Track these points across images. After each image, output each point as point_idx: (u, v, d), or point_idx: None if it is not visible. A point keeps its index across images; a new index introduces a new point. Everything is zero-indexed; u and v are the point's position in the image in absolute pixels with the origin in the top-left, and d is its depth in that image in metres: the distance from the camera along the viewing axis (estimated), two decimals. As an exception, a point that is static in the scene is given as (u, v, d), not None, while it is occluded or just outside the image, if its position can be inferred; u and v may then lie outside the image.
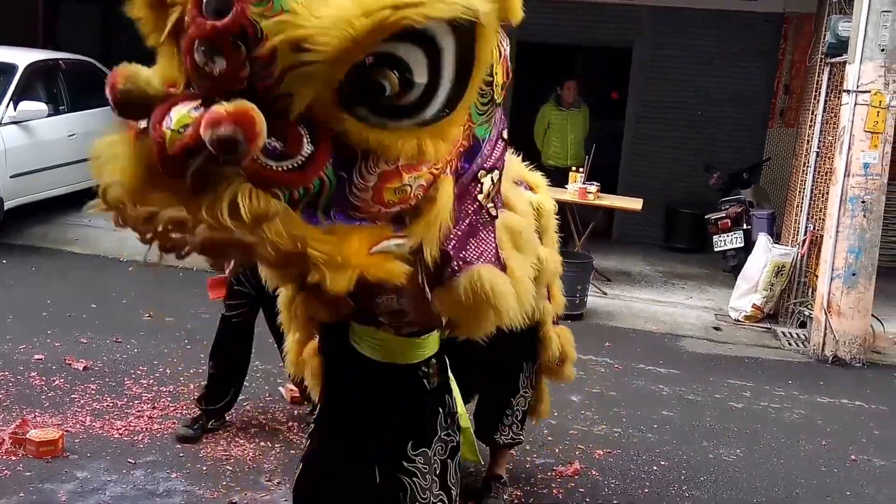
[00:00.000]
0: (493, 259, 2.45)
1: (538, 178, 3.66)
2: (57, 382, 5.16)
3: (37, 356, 5.52)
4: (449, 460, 2.90)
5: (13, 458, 4.20)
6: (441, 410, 2.89)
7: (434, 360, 2.88)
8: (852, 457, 5.06)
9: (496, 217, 2.50)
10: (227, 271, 4.38)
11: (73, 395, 5.00)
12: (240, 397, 5.12)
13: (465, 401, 3.71)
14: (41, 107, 8.49)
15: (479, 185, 2.40)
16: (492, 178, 2.43)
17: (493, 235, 2.48)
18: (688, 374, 6.22)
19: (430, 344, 2.86)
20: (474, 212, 2.42)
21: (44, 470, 4.11)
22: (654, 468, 4.70)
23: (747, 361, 6.68)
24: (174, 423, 4.73)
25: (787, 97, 10.04)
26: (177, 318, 6.57)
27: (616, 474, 4.60)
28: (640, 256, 9.88)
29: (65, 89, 9.31)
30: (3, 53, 8.97)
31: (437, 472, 2.87)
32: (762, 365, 6.62)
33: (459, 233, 2.37)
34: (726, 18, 10.07)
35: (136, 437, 4.53)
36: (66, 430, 4.50)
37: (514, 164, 3.41)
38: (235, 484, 4.14)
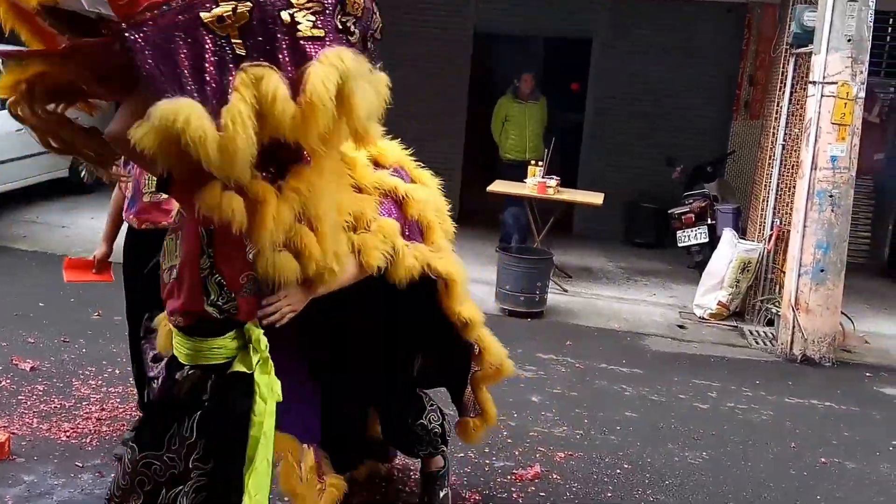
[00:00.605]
0: None
1: (425, 175, 3.81)
2: (3, 383, 5.00)
3: (-18, 356, 5.37)
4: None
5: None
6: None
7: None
8: (822, 460, 4.99)
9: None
10: (93, 255, 4.45)
11: (19, 397, 4.85)
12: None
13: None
14: (-5, 97, 8.23)
15: None
16: None
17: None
18: (652, 373, 6.13)
19: (225, 344, 2.78)
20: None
21: None
22: (618, 471, 4.60)
23: (713, 361, 6.61)
24: (123, 424, 4.58)
25: (751, 89, 9.99)
26: (125, 316, 6.35)
27: (578, 477, 4.49)
28: (601, 252, 9.81)
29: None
30: (6, 55, 8.67)
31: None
32: (728, 364, 6.55)
33: None
34: (688, 9, 10.02)
35: (84, 440, 4.40)
36: (13, 433, 4.36)
37: (396, 150, 3.59)
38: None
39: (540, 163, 8.52)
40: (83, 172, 10.38)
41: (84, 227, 8.77)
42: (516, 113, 9.45)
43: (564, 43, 11.01)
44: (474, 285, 8.24)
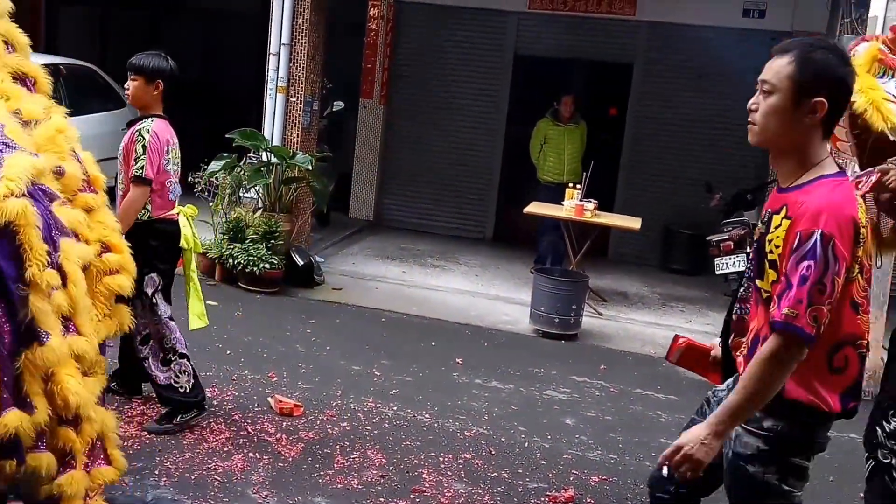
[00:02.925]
0: None
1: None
2: (45, 387, 5.06)
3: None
4: None
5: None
6: None
7: None
8: (861, 494, 4.91)
9: None
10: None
11: (60, 400, 4.90)
12: (228, 407, 5.07)
13: None
14: (44, 110, 8.42)
15: None
16: None
17: None
18: (688, 400, 6.11)
19: None
20: None
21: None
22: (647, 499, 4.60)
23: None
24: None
25: (791, 117, 9.99)
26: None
27: (612, 503, 4.50)
28: (636, 277, 9.82)
29: (65, 93, 9.25)
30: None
31: None
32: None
33: None
34: (730, 36, 10.04)
35: (126, 443, 4.41)
36: None
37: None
38: (223, 495, 4.08)
39: (578, 186, 8.57)
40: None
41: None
42: (555, 135, 9.51)
43: (604, 67, 11.07)
44: (509, 305, 8.44)
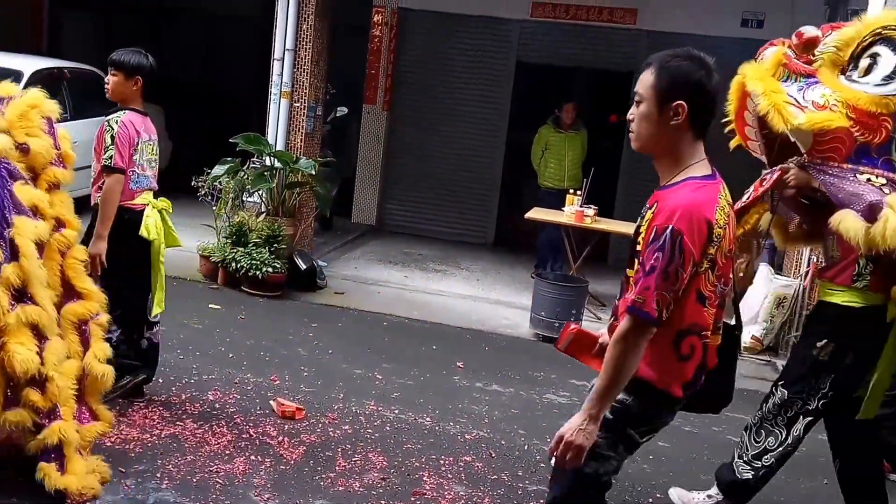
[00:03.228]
0: None
1: None
2: (48, 389, 5.10)
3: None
4: None
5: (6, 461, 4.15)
6: None
7: None
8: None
9: None
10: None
11: (63, 402, 4.94)
12: (231, 410, 5.12)
13: None
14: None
15: None
16: None
17: None
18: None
19: None
20: None
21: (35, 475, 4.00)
22: (650, 500, 4.66)
23: (746, 394, 6.58)
24: (168, 431, 4.71)
25: (790, 127, 10.03)
26: (169, 328, 6.51)
27: None
28: (636, 283, 9.82)
29: (68, 97, 9.32)
30: (10, 60, 9.00)
31: None
32: (761, 399, 6.53)
33: None
34: (729, 45, 10.06)
35: (127, 446, 4.51)
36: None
37: None
38: (225, 497, 4.11)
39: (578, 192, 8.61)
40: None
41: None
42: (556, 142, 9.57)
43: (605, 75, 11.13)
44: (510, 309, 8.48)
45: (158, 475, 4.23)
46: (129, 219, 4.86)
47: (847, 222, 3.56)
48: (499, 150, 11.36)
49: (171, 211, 5.17)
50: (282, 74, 8.72)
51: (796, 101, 3.75)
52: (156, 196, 5.08)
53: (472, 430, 5.30)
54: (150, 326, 5.13)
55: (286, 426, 5.00)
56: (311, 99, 8.86)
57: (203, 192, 8.39)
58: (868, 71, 3.79)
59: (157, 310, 5.08)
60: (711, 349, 2.86)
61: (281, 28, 8.67)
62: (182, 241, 5.39)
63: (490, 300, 8.65)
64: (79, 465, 3.88)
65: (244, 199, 8.43)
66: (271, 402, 5.29)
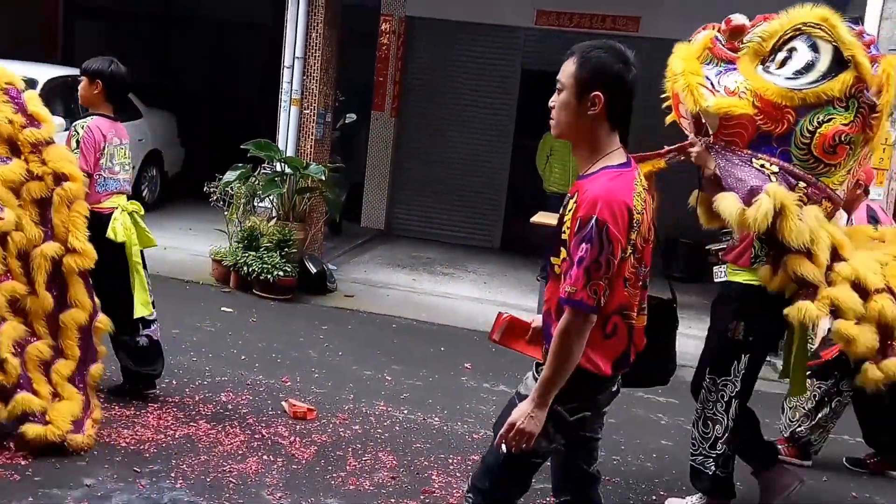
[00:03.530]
0: None
1: None
2: (65, 390, 5.20)
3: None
4: None
5: (23, 462, 4.25)
6: None
7: None
8: (853, 494, 5.11)
9: None
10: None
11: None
12: (243, 411, 5.22)
13: None
14: (59, 121, 8.58)
15: None
16: None
17: None
18: (688, 403, 6.13)
19: None
20: None
21: (52, 475, 4.16)
22: (654, 497, 4.74)
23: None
24: (182, 432, 4.81)
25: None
26: (183, 330, 6.65)
27: (614, 502, 4.62)
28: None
29: (81, 105, 9.43)
30: (24, 69, 9.08)
31: None
32: (762, 398, 6.57)
33: None
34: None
35: (142, 447, 4.58)
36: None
37: None
38: (238, 496, 4.19)
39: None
40: (144, 192, 10.77)
41: (143, 245, 9.09)
42: (561, 147, 9.65)
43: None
44: (516, 312, 8.44)
45: (173, 475, 4.30)
46: (94, 224, 4.83)
47: (725, 203, 3.81)
48: (505, 156, 11.46)
49: (142, 213, 5.24)
50: (291, 82, 8.84)
51: (711, 84, 3.94)
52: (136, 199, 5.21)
53: (480, 429, 5.39)
54: (145, 325, 5.20)
55: (298, 426, 5.08)
56: (321, 106, 8.98)
57: (215, 198, 8.51)
58: (783, 64, 3.93)
59: (141, 311, 5.11)
60: (638, 330, 2.94)
61: (291, 36, 8.80)
62: (157, 241, 5.46)
63: (497, 302, 8.73)
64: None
65: (255, 204, 8.56)
66: (283, 402, 5.38)
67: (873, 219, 4.87)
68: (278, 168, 8.51)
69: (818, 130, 3.81)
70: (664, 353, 3.57)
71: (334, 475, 4.54)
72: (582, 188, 2.76)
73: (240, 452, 4.65)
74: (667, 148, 4.36)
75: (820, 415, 5.27)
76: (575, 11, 10.74)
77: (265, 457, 4.64)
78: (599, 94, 2.73)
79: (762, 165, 3.85)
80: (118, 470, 4.29)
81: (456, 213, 11.63)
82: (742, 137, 3.91)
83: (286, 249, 8.01)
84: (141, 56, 14.81)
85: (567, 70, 2.80)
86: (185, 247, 9.29)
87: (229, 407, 5.27)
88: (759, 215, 3.70)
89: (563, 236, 2.78)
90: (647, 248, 2.88)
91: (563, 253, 2.77)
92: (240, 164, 8.43)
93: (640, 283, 2.88)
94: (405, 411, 5.55)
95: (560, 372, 2.73)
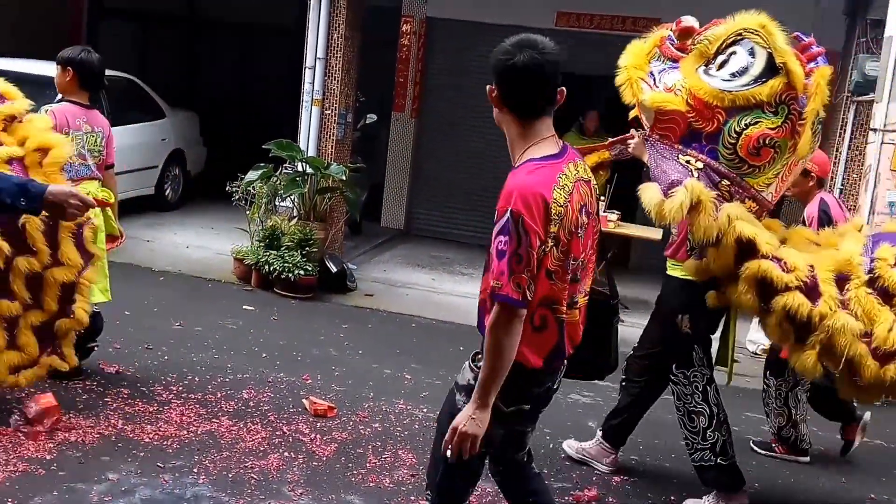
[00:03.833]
0: None
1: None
2: (91, 385, 5.28)
3: (72, 359, 5.65)
4: None
5: (48, 456, 4.31)
6: None
7: None
8: (871, 495, 5.09)
9: None
10: None
11: (105, 399, 5.11)
12: (265, 408, 5.27)
13: None
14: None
15: None
16: None
17: None
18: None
19: None
20: None
21: (76, 470, 4.22)
22: (672, 497, 4.75)
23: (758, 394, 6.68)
24: (205, 428, 4.86)
25: (813, 133, 9.99)
26: (205, 327, 6.71)
27: (634, 502, 4.65)
28: (656, 285, 9.80)
29: (106, 104, 9.52)
30: (48, 68, 9.16)
31: None
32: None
33: None
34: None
35: (165, 443, 4.63)
36: (100, 433, 4.64)
37: None
38: (259, 493, 4.23)
39: (602, 198, 8.72)
40: (167, 191, 10.87)
41: (167, 243, 9.19)
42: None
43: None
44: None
45: (195, 470, 4.34)
46: None
47: (647, 193, 3.98)
48: (526, 156, 11.47)
49: (112, 200, 5.29)
50: (313, 82, 8.90)
51: (653, 79, 4.13)
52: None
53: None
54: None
55: (318, 424, 5.12)
56: (342, 106, 9.04)
57: (237, 197, 8.58)
58: (722, 66, 4.07)
59: (99, 297, 5.16)
60: (571, 324, 2.90)
61: (312, 37, 8.86)
62: (120, 230, 5.48)
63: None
64: None
65: (277, 203, 8.62)
66: (304, 400, 5.42)
67: (825, 212, 4.94)
68: (300, 168, 8.56)
69: (744, 132, 3.96)
70: (602, 347, 3.62)
71: (355, 472, 4.56)
72: (506, 182, 2.77)
73: (261, 449, 4.69)
74: (610, 140, 4.72)
75: (792, 410, 5.32)
76: (595, 13, 10.75)
77: (286, 453, 4.68)
78: (493, 87, 2.79)
79: (688, 161, 4.00)
80: (141, 465, 4.33)
81: (475, 214, 11.65)
82: (674, 132, 4.06)
83: (307, 249, 8.06)
84: (166, 57, 14.95)
85: None
86: (207, 245, 9.38)
87: (251, 404, 5.31)
88: (675, 207, 3.83)
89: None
90: (575, 242, 2.80)
91: None
92: (262, 164, 8.49)
93: (569, 276, 2.82)
94: (425, 410, 5.57)
95: (496, 369, 2.72)
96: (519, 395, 2.87)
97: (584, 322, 3.01)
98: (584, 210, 2.83)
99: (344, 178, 8.48)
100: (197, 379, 5.61)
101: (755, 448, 5.53)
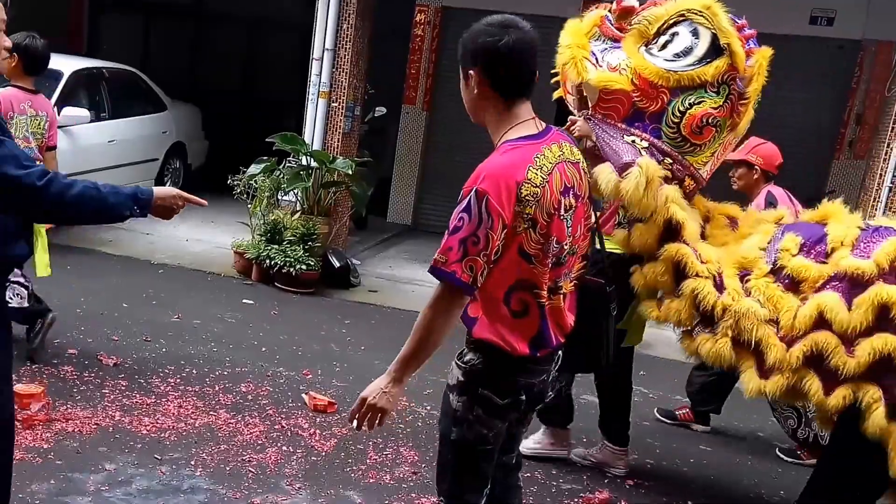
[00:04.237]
0: None
1: None
2: (89, 377, 5.19)
3: (70, 350, 5.55)
4: None
5: (45, 446, 4.25)
6: None
7: None
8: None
9: None
10: None
11: (103, 390, 5.02)
12: (263, 402, 5.12)
13: None
14: (84, 113, 8.58)
15: None
16: None
17: None
18: (728, 409, 6.04)
19: None
20: None
21: (74, 460, 4.14)
22: (689, 502, 4.58)
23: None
24: (202, 421, 4.75)
25: (857, 128, 9.78)
26: (204, 321, 6.57)
27: (645, 505, 4.49)
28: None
29: (107, 97, 9.43)
30: (50, 61, 9.10)
31: None
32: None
33: None
34: (795, 44, 9.90)
35: (162, 435, 4.55)
36: (97, 424, 4.56)
37: None
38: (257, 486, 4.13)
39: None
40: (168, 183, 10.72)
41: (166, 236, 9.02)
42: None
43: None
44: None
45: (193, 462, 4.27)
46: None
47: (602, 175, 3.97)
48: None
49: None
50: (320, 74, 8.73)
51: (596, 59, 4.16)
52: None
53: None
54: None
55: (318, 419, 5.00)
56: (350, 99, 8.87)
57: (239, 191, 8.40)
58: (665, 46, 4.14)
59: (42, 272, 5.01)
60: (556, 310, 2.76)
61: (321, 28, 8.69)
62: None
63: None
64: None
65: (279, 197, 8.45)
66: (303, 395, 5.29)
67: (771, 204, 4.96)
68: (304, 162, 8.40)
69: (688, 111, 4.04)
70: (595, 339, 3.48)
71: (354, 468, 4.46)
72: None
73: (259, 443, 4.60)
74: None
75: (799, 408, 5.13)
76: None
77: (284, 448, 4.58)
78: (471, 71, 2.66)
79: (633, 141, 4.06)
80: (139, 456, 4.29)
81: (485, 210, 11.47)
82: (618, 112, 4.09)
83: (310, 243, 7.90)
84: (169, 49, 14.83)
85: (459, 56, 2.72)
86: (207, 238, 9.23)
87: (249, 398, 5.19)
88: (631, 187, 3.87)
89: None
90: (557, 224, 2.64)
91: None
92: (264, 158, 8.34)
93: (550, 260, 2.68)
94: (428, 407, 5.43)
95: (421, 349, 2.61)
96: (511, 385, 2.74)
97: (572, 310, 2.87)
98: (570, 192, 2.68)
99: (350, 172, 8.31)
100: (195, 372, 5.49)
101: (781, 455, 5.38)
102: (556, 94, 4.49)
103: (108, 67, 9.85)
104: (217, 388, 5.24)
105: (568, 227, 2.68)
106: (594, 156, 4.09)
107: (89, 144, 8.78)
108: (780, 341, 3.74)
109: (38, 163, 5.07)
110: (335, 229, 8.70)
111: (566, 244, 2.69)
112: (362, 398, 2.65)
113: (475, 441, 2.75)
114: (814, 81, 10.07)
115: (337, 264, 8.13)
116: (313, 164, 8.33)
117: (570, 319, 2.85)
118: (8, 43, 3.24)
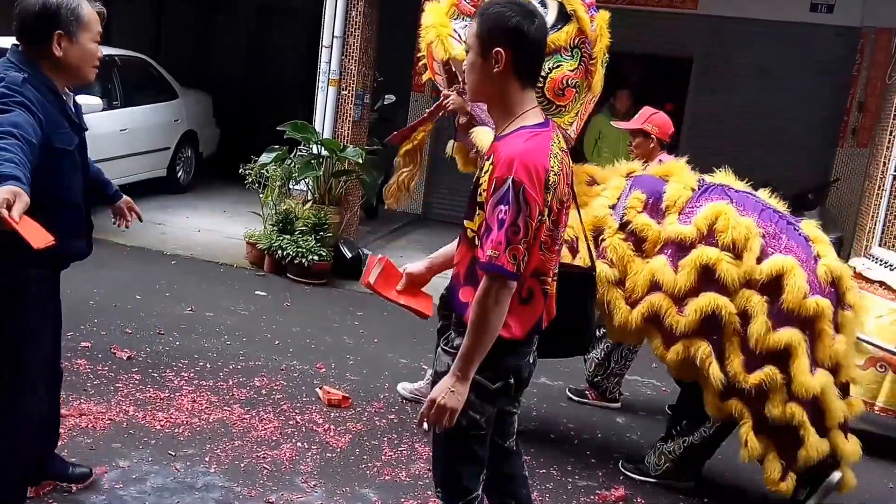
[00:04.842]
0: None
1: None
2: (102, 370, 5.16)
3: (84, 343, 5.53)
4: None
5: (59, 442, 4.12)
6: None
7: None
8: (891, 485, 4.90)
9: None
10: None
11: (117, 384, 5.00)
12: (277, 396, 5.11)
13: None
14: (96, 101, 8.53)
15: None
16: None
17: None
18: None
19: None
20: None
21: (87, 456, 4.09)
22: (705, 499, 4.55)
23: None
24: (216, 416, 4.72)
25: (860, 115, 9.74)
26: (217, 313, 6.55)
27: (663, 503, 4.45)
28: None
29: (119, 85, 9.39)
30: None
31: None
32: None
33: None
34: (794, 31, 9.83)
35: (176, 430, 4.52)
36: (111, 419, 4.54)
37: None
38: (272, 483, 4.11)
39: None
40: (180, 172, 10.70)
41: (178, 226, 9.01)
42: (611, 131, 9.37)
43: (663, 61, 10.92)
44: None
45: (207, 459, 4.25)
46: None
47: (483, 136, 4.24)
48: (548, 139, 11.24)
49: None
50: (330, 62, 8.68)
51: (459, 36, 4.37)
52: None
53: (520, 422, 5.20)
54: None
55: (332, 414, 4.97)
56: (359, 87, 8.82)
57: (250, 180, 8.38)
58: None
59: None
60: (552, 296, 2.84)
61: (330, 15, 8.63)
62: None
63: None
64: None
65: (291, 186, 8.41)
66: (317, 389, 5.27)
67: None
68: (315, 150, 8.36)
69: (549, 75, 4.25)
70: (585, 324, 3.56)
71: (369, 465, 4.44)
72: (497, 149, 2.65)
73: (273, 438, 4.57)
74: (428, 111, 4.97)
75: (612, 364, 5.60)
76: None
77: (299, 444, 4.55)
78: (500, 50, 2.63)
79: None
80: (153, 453, 4.25)
81: (495, 200, 11.43)
82: None
83: (321, 233, 7.87)
84: (180, 37, 14.78)
85: (471, 30, 2.71)
86: (219, 229, 9.21)
87: (263, 392, 5.16)
88: None
89: (480, 198, 2.69)
90: (562, 211, 2.74)
91: (482, 215, 2.66)
92: (276, 147, 8.30)
93: (557, 246, 2.76)
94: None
95: (480, 342, 2.62)
96: (503, 369, 2.77)
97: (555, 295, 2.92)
98: (568, 181, 2.80)
99: (360, 160, 8.27)
100: (208, 366, 5.46)
101: (570, 395, 5.76)
102: (425, 77, 4.63)
103: (120, 55, 9.81)
104: (231, 383, 5.21)
105: (566, 215, 2.79)
106: (467, 128, 4.44)
107: (101, 133, 8.73)
108: (625, 304, 4.27)
109: None
110: (346, 219, 8.66)
111: (562, 231, 2.80)
112: (431, 399, 2.66)
113: (469, 426, 2.77)
114: (815, 69, 10.02)
115: (348, 255, 8.10)
116: (324, 152, 8.28)
117: (555, 306, 2.91)
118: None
